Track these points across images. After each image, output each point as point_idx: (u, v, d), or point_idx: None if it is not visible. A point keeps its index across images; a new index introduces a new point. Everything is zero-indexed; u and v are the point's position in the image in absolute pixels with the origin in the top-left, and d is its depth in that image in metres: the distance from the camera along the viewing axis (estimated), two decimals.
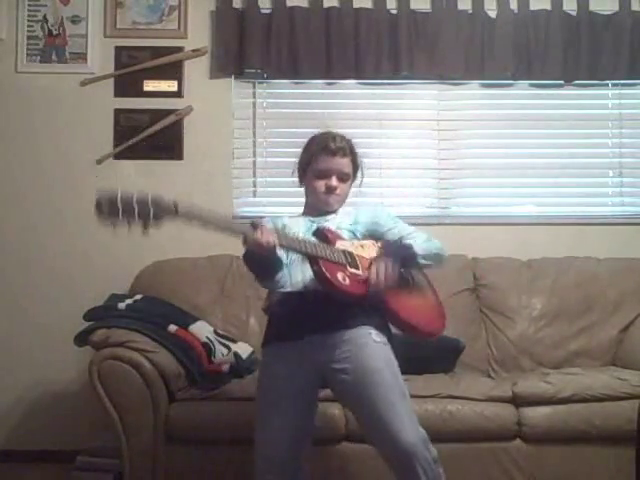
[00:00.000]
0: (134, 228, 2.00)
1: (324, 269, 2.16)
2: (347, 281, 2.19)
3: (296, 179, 2.51)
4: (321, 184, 2.41)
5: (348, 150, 2.43)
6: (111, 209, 1.94)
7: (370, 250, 2.35)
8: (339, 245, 2.29)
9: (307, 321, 2.24)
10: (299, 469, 2.29)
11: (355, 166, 2.48)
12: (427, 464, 2.11)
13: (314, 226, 2.38)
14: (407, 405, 2.18)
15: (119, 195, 1.95)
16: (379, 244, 2.38)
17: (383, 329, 2.29)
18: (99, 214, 1.96)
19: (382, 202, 2.55)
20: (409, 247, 2.33)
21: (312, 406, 2.33)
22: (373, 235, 2.44)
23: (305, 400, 2.29)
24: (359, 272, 2.24)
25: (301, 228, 2.40)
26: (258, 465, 2.25)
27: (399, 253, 2.30)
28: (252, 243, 2.10)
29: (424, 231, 2.47)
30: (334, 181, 2.40)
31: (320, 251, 2.20)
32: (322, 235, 2.30)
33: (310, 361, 2.24)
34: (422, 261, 2.36)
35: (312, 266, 2.19)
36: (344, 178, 2.43)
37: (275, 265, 2.25)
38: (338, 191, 2.42)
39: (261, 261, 2.20)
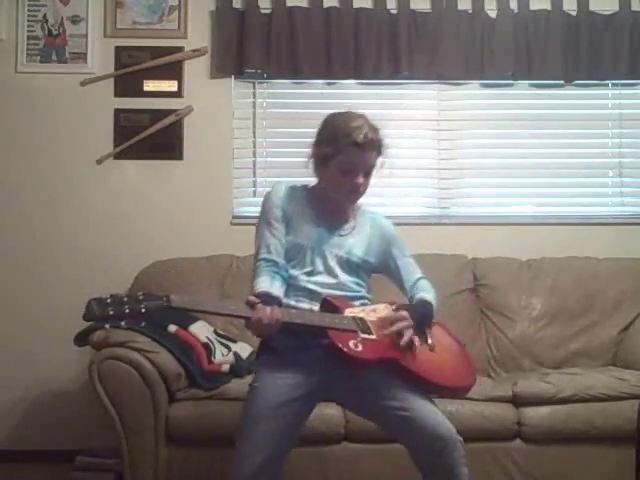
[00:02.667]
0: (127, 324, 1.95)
1: (335, 340, 2.09)
2: (360, 347, 2.11)
3: (309, 168, 2.32)
4: (346, 181, 2.23)
5: (377, 142, 2.26)
6: (102, 312, 1.88)
7: (383, 314, 2.27)
8: (348, 312, 2.20)
9: (316, 336, 2.15)
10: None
11: (379, 155, 2.32)
12: (462, 454, 2.12)
13: (322, 242, 2.27)
14: (431, 400, 2.18)
15: (109, 299, 1.90)
16: (394, 307, 2.30)
17: None
18: (90, 319, 1.89)
19: (394, 225, 2.44)
20: (430, 310, 2.30)
21: (305, 418, 2.25)
22: (380, 267, 2.39)
23: (303, 410, 2.22)
24: (372, 337, 2.16)
25: (312, 236, 2.28)
26: (238, 469, 2.11)
27: (423, 320, 2.26)
28: (257, 326, 2.03)
29: (420, 269, 2.42)
30: (360, 178, 2.24)
31: (328, 321, 2.12)
32: (329, 305, 2.20)
33: (318, 372, 2.18)
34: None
35: (322, 338, 2.11)
36: (369, 172, 2.28)
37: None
38: (362, 188, 2.28)
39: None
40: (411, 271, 2.40)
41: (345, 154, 2.21)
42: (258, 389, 2.20)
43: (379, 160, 2.30)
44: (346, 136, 2.19)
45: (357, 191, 2.27)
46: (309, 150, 2.32)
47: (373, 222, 2.40)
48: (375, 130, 2.26)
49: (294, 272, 2.27)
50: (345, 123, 2.23)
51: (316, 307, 2.22)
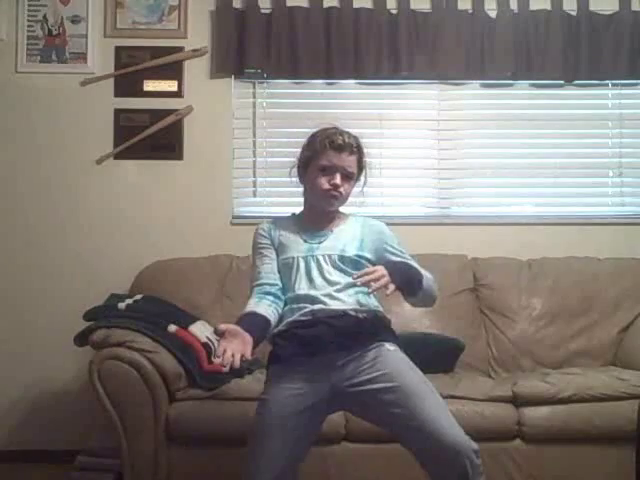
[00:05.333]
0: None
1: None
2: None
3: (295, 178, 2.43)
4: (324, 181, 2.31)
5: (356, 148, 2.34)
6: None
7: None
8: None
9: (322, 341, 2.17)
10: None
11: (360, 166, 2.38)
12: (472, 457, 2.04)
13: (313, 249, 2.31)
14: (443, 404, 2.14)
15: None
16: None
17: (392, 339, 2.26)
18: None
19: (384, 221, 2.46)
20: (415, 273, 2.27)
21: (315, 428, 2.24)
22: (378, 261, 2.35)
23: (313, 420, 2.20)
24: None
25: (300, 247, 2.33)
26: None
27: (405, 271, 2.24)
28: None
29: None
30: (338, 179, 2.30)
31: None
32: None
33: (325, 380, 2.17)
34: (420, 293, 2.26)
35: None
36: (349, 177, 2.33)
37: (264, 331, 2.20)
38: (341, 190, 2.31)
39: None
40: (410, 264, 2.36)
41: (323, 155, 2.31)
42: (267, 401, 2.19)
43: (362, 171, 2.39)
44: (325, 138, 2.32)
45: (336, 192, 2.32)
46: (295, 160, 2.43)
47: (364, 222, 2.43)
48: (356, 138, 2.37)
49: (293, 285, 2.29)
50: (326, 131, 2.36)
51: (317, 307, 2.23)
